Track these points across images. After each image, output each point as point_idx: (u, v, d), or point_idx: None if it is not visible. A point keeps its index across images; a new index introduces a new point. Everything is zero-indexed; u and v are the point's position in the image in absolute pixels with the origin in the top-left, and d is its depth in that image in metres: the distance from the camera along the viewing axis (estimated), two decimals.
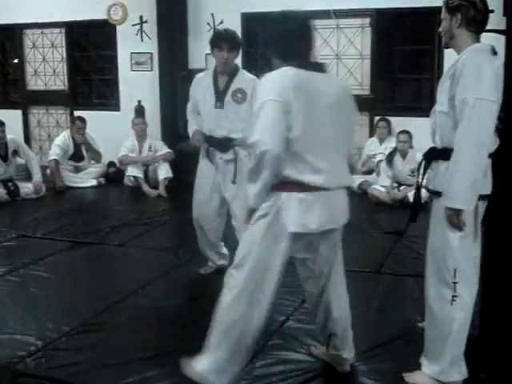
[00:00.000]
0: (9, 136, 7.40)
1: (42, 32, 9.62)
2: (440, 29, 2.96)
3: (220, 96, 4.20)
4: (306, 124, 2.67)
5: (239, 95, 4.12)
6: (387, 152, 7.21)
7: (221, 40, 4.12)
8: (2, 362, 3.36)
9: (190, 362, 2.86)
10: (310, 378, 3.16)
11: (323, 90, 2.76)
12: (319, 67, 2.84)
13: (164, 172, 7.70)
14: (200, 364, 2.82)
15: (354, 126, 3.18)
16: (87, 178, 8.09)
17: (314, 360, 3.33)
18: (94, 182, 8.06)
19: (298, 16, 2.87)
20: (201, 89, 4.31)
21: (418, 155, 6.64)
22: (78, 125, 8.11)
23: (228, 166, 4.28)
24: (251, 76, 4.17)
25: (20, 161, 7.75)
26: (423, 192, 3.16)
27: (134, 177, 7.72)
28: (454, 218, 2.81)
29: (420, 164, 3.11)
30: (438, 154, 2.97)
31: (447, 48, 3.01)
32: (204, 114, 4.31)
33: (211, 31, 8.43)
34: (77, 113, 8.91)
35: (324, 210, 2.79)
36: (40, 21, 9.36)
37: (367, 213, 6.49)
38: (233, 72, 4.18)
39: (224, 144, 4.25)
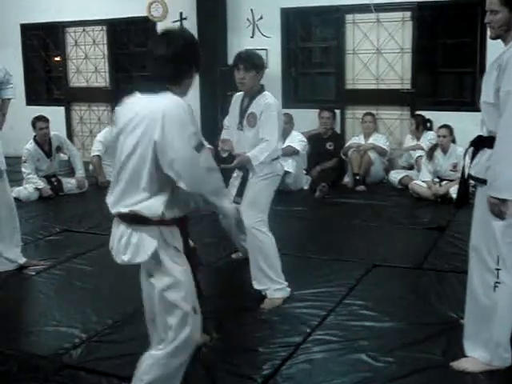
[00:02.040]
0: (52, 132, 7.53)
1: (83, 30, 9.77)
2: (488, 20, 2.93)
3: (241, 117, 4.23)
4: None
5: (251, 119, 4.14)
6: (426, 146, 7.15)
7: (238, 60, 4.15)
8: (48, 353, 3.44)
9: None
10: (352, 371, 3.17)
11: None
12: None
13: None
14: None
15: None
16: None
17: (357, 354, 3.33)
18: None
19: None
20: (233, 107, 4.36)
21: (459, 150, 6.57)
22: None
23: (237, 181, 4.31)
24: (266, 101, 4.09)
25: (63, 157, 7.89)
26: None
27: None
28: (496, 208, 2.86)
29: (466, 151, 3.15)
30: (484, 143, 3.00)
31: (496, 39, 2.98)
32: (231, 133, 4.37)
33: (250, 27, 8.48)
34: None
35: None
36: (82, 19, 9.53)
37: (408, 208, 6.45)
38: (255, 94, 4.16)
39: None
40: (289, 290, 4.13)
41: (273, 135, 4.01)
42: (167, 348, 2.55)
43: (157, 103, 2.45)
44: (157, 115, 2.41)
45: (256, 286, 4.12)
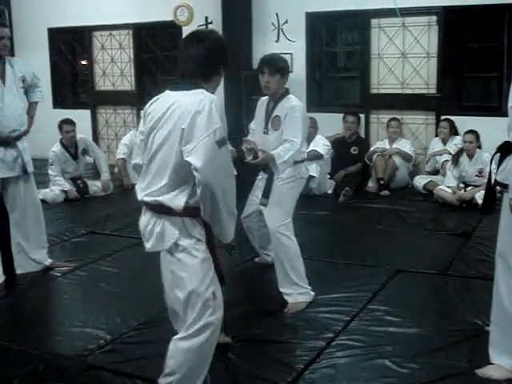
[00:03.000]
0: (79, 135, 7.61)
1: (110, 34, 9.86)
2: None
3: (267, 121, 4.23)
4: None
5: (276, 122, 4.13)
6: (453, 151, 7.10)
7: (262, 64, 4.16)
8: (73, 354, 3.47)
9: None
10: (376, 377, 3.16)
11: None
12: None
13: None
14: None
15: None
16: None
17: (381, 359, 3.32)
18: None
19: None
20: (258, 111, 4.37)
21: (485, 155, 6.52)
22: None
23: (261, 182, 4.29)
24: (291, 104, 4.10)
25: (89, 159, 7.97)
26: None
27: None
28: None
29: (493, 157, 3.15)
30: (511, 148, 2.98)
31: None
32: (256, 137, 4.34)
33: (275, 31, 8.49)
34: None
35: None
36: (109, 23, 9.61)
37: (433, 214, 6.40)
38: (279, 97, 4.16)
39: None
40: (312, 294, 4.13)
41: (296, 136, 3.99)
42: (189, 332, 2.65)
43: (191, 98, 2.56)
44: (190, 107, 2.53)
45: (281, 288, 4.11)
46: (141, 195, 2.70)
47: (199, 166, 2.48)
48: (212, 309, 2.65)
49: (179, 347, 2.68)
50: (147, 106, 2.76)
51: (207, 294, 2.64)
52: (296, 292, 4.07)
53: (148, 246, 2.73)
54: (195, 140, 2.50)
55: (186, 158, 2.51)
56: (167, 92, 2.71)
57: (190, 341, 2.65)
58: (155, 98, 2.74)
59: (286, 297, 4.08)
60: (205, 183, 2.51)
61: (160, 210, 2.63)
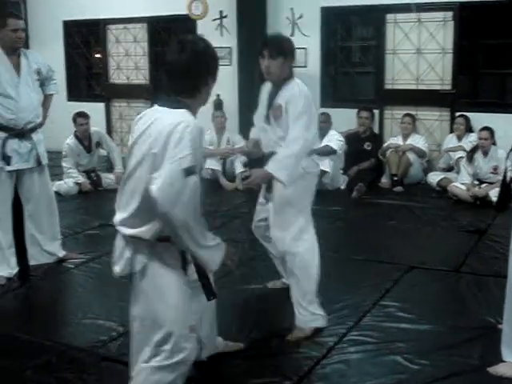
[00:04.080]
0: (92, 128, 7.64)
1: (125, 27, 9.88)
2: None
3: (268, 110, 3.69)
4: None
5: (277, 112, 3.59)
6: (468, 148, 7.07)
7: (262, 46, 3.60)
8: (86, 345, 3.50)
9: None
10: (387, 372, 3.15)
11: None
12: None
13: (241, 165, 7.76)
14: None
15: None
16: None
17: (393, 355, 3.31)
18: None
19: None
20: (262, 99, 3.83)
21: (500, 152, 6.47)
22: None
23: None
24: (292, 91, 3.55)
25: (102, 152, 7.98)
26: None
27: (211, 169, 7.81)
28: None
29: (508, 154, 3.14)
30: None
31: None
32: (256, 130, 3.90)
33: (290, 26, 8.47)
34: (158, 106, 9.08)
35: None
36: (123, 16, 9.62)
37: (447, 211, 6.37)
38: (282, 83, 3.60)
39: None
40: (325, 320, 3.67)
41: (298, 131, 3.45)
42: (161, 363, 2.52)
43: (169, 119, 2.40)
44: (164, 130, 2.37)
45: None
46: (116, 220, 2.59)
47: (154, 190, 2.30)
48: (181, 347, 2.50)
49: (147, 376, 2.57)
50: (137, 118, 2.61)
51: (176, 329, 2.49)
52: (304, 316, 3.62)
53: (117, 269, 2.63)
54: (162, 167, 2.33)
55: (149, 186, 2.34)
56: (155, 107, 2.57)
57: (159, 374, 2.53)
58: (144, 112, 2.60)
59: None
60: (161, 212, 2.32)
61: (131, 236, 2.53)
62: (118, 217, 2.58)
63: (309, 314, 3.60)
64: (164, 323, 2.49)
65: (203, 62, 2.53)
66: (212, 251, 2.50)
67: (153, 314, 2.53)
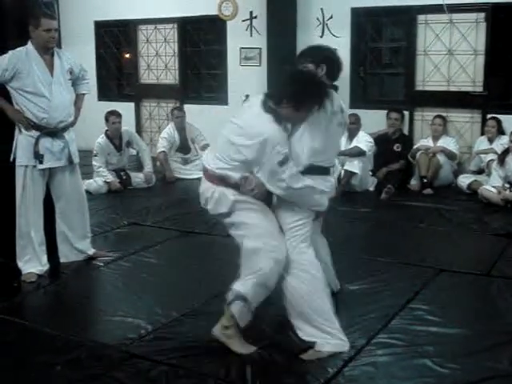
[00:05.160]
0: (123, 127, 7.70)
1: (155, 27, 9.94)
2: None
3: None
4: None
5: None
6: (500, 150, 6.97)
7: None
8: (114, 342, 3.52)
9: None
10: (416, 376, 3.13)
11: None
12: None
13: None
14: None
15: None
16: (195, 170, 8.26)
17: (421, 359, 3.29)
18: (201, 174, 8.19)
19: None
20: None
21: None
22: (176, 114, 8.37)
23: None
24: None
25: (132, 151, 8.05)
26: None
27: None
28: None
29: None
30: None
31: None
32: None
33: (320, 26, 8.45)
34: (186, 106, 9.13)
35: None
36: (154, 17, 9.69)
37: (477, 214, 6.29)
38: None
39: None
40: (346, 345, 3.37)
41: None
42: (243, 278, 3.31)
43: (257, 125, 3.25)
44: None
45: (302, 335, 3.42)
46: (205, 164, 3.51)
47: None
48: (259, 258, 3.27)
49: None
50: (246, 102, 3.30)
51: (254, 244, 3.29)
52: (322, 339, 3.35)
53: (209, 207, 3.47)
54: (261, 163, 3.26)
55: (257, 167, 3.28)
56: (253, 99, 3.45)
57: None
58: (250, 99, 3.38)
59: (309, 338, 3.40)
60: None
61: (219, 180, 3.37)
62: (210, 162, 3.51)
63: (323, 334, 3.36)
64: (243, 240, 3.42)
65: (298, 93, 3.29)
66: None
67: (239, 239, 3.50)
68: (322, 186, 3.42)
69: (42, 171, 4.58)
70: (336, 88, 3.56)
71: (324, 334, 3.34)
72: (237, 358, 3.28)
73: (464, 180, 7.21)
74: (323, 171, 3.45)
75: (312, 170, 3.35)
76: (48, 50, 4.52)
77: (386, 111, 7.89)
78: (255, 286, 3.28)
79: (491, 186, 6.67)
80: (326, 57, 3.56)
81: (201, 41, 9.75)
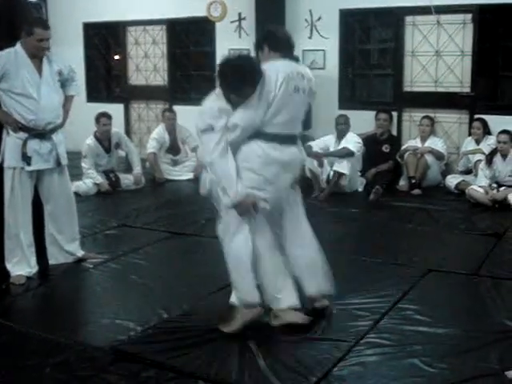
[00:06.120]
0: (113, 129, 7.70)
1: (144, 29, 9.94)
2: None
3: None
4: None
5: None
6: (487, 151, 7.02)
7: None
8: (104, 344, 3.51)
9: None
10: (405, 375, 3.15)
11: None
12: None
13: None
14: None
15: None
16: (184, 172, 8.28)
17: (410, 358, 3.31)
18: (190, 176, 8.22)
19: None
20: None
21: None
22: (167, 116, 8.37)
23: None
24: None
25: (121, 153, 8.04)
26: None
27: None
28: None
29: None
30: None
31: None
32: None
33: (309, 28, 8.47)
34: (175, 107, 9.11)
35: None
36: (143, 18, 9.69)
37: (465, 214, 6.34)
38: None
39: None
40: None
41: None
42: None
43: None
44: None
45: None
46: None
47: None
48: None
49: None
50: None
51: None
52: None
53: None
54: None
55: None
56: None
57: None
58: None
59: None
60: None
61: None
62: None
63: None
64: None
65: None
66: None
67: None
68: (275, 154, 3.51)
69: (30, 173, 4.57)
70: (297, 59, 3.75)
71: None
72: (226, 357, 3.28)
73: (452, 180, 7.26)
74: (280, 139, 3.52)
75: (264, 136, 3.50)
76: (38, 56, 4.50)
77: (374, 112, 7.92)
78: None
79: (479, 186, 6.72)
80: (265, 34, 3.73)
81: (190, 42, 9.75)
